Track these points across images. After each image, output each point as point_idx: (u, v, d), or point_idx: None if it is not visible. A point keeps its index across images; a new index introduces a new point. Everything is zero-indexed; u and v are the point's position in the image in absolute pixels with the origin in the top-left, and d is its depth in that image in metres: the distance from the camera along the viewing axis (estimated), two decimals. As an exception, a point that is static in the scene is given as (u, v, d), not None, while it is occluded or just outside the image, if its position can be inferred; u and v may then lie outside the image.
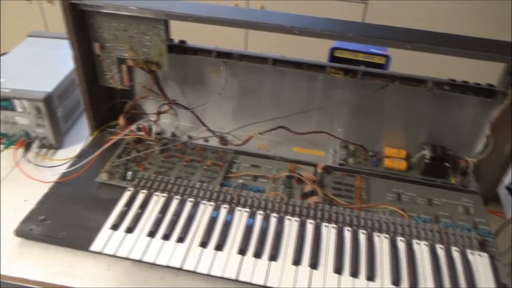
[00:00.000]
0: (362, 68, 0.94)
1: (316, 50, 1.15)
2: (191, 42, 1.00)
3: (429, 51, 0.82)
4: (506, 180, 1.09)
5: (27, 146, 1.02)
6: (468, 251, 0.82)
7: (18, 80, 1.02)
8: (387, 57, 1.04)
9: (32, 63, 1.12)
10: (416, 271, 0.78)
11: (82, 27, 0.94)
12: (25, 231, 0.81)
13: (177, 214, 0.84)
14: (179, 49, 0.99)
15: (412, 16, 1.79)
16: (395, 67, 0.95)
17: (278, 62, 0.97)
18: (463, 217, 0.91)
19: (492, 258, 0.82)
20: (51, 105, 1.00)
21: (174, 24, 0.93)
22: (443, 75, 0.95)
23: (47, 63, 1.12)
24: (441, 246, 0.83)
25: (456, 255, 0.81)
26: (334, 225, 0.85)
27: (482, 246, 0.84)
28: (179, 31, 1.03)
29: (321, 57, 1.06)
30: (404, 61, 1.29)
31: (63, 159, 1.00)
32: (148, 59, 0.98)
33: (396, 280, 0.76)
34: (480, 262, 0.81)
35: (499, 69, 0.92)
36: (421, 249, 0.82)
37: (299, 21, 0.85)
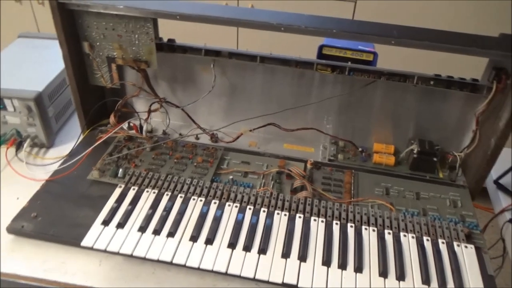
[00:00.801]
0: (349, 64, 0.95)
1: (309, 49, 1.15)
2: (186, 41, 1.00)
3: (413, 46, 0.84)
4: (494, 174, 1.11)
5: (19, 145, 1.03)
6: (455, 243, 0.84)
7: (9, 79, 1.03)
8: (374, 54, 1.05)
9: (23, 63, 1.12)
10: (403, 262, 0.79)
11: (71, 27, 0.95)
12: (16, 228, 0.82)
13: (167, 210, 0.85)
14: (168, 47, 0.99)
15: (403, 14, 1.80)
16: (387, 66, 0.96)
17: (266, 59, 0.98)
18: (450, 210, 0.92)
19: (479, 250, 0.83)
20: (42, 104, 1.00)
21: (167, 23, 0.94)
22: (435, 72, 0.96)
23: (38, 63, 1.13)
24: (428, 238, 0.84)
25: (442, 247, 0.83)
26: (323, 219, 0.86)
27: (469, 238, 0.85)
28: (172, 30, 1.04)
29: (314, 56, 1.06)
30: (395, 59, 1.30)
31: (54, 157, 1.01)
32: (137, 57, 0.98)
33: (383, 271, 0.77)
34: (466, 254, 0.82)
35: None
36: (409, 241, 0.83)
37: (285, 18, 0.86)
